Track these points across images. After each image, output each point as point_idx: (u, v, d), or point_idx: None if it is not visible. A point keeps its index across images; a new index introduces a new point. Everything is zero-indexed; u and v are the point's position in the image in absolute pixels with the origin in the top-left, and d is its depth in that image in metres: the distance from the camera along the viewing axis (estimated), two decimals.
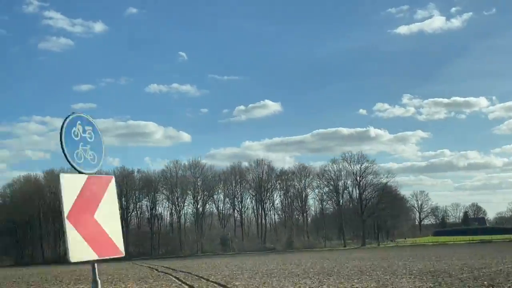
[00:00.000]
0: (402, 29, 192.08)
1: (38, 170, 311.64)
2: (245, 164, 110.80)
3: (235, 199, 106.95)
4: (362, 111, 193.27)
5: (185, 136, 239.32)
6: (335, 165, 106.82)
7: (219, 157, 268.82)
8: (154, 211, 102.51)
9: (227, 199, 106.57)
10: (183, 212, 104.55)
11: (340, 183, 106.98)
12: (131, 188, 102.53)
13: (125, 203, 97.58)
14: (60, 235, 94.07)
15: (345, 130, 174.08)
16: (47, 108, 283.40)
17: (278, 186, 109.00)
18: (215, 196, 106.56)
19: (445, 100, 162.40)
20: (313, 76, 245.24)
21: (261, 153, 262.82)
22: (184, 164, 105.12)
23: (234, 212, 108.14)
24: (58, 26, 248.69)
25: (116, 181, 7.10)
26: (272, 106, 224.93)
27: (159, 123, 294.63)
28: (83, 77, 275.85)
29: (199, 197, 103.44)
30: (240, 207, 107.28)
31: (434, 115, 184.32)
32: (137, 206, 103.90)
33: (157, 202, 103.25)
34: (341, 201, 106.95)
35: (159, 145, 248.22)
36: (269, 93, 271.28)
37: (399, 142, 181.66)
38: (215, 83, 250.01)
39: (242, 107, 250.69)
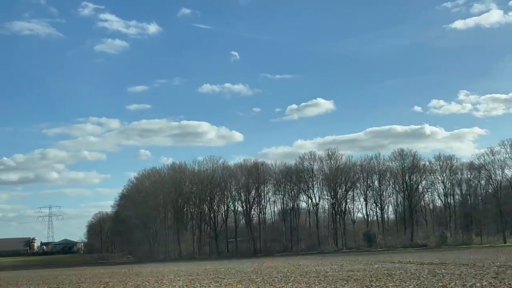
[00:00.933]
0: (458, 24, 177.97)
1: (94, 170, 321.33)
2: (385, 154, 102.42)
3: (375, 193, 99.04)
4: (417, 108, 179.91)
5: (238, 136, 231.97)
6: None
7: (271, 156, 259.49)
8: (293, 206, 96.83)
9: (370, 193, 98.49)
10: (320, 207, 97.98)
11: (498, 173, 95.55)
12: (265, 180, 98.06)
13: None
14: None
15: (399, 128, 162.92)
16: (102, 109, 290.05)
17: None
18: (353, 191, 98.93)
19: (503, 96, 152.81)
20: (366, 73, 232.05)
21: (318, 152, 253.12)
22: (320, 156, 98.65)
23: (376, 208, 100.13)
24: (113, 28, 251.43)
25: None
26: (325, 104, 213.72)
27: (212, 122, 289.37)
28: (138, 78, 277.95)
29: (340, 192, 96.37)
30: (380, 202, 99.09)
31: (492, 111, 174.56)
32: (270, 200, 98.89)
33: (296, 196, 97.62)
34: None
35: (211, 144, 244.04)
36: (321, 91, 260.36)
37: (455, 139, 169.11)
38: (267, 82, 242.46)
39: (294, 106, 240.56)
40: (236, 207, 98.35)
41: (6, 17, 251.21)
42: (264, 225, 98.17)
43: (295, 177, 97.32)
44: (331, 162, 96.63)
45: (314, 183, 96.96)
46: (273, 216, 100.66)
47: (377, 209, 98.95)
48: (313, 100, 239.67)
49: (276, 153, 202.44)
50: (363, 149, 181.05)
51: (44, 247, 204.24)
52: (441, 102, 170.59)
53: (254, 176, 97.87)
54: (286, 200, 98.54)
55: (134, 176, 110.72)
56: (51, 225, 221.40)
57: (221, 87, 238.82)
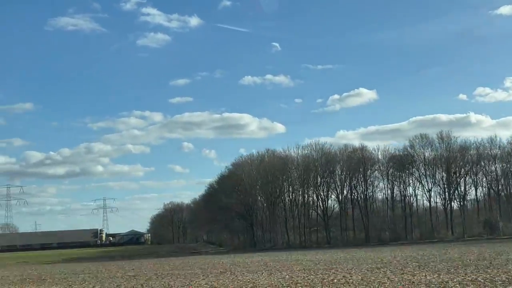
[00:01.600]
0: (504, 10, 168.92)
1: (139, 163, 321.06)
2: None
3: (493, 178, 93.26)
4: (462, 96, 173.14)
5: (279, 127, 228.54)
6: None
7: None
8: (403, 192, 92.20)
9: (488, 178, 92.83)
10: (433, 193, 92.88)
11: None
12: (372, 166, 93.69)
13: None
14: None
15: (443, 117, 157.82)
16: (146, 103, 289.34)
17: None
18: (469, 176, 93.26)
19: None
20: (410, 61, 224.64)
21: (356, 143, 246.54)
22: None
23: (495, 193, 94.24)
24: (155, 22, 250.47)
25: None
26: (367, 94, 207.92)
27: (253, 114, 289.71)
28: (180, 72, 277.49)
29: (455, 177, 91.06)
30: (497, 187, 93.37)
31: None
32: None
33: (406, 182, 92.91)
34: None
35: (253, 136, 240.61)
36: (364, 81, 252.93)
37: (502, 127, 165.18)
38: (308, 72, 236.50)
39: (336, 96, 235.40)
40: (346, 193, 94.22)
41: (50, 13, 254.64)
42: (373, 213, 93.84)
43: (404, 162, 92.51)
44: (444, 145, 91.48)
45: (426, 167, 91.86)
46: (384, 204, 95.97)
47: (496, 195, 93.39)
48: (356, 90, 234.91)
49: (318, 144, 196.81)
50: (406, 139, 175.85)
51: (111, 238, 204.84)
52: (487, 89, 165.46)
53: (360, 161, 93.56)
54: (395, 187, 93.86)
55: (231, 163, 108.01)
56: (105, 217, 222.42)
57: (263, 78, 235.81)
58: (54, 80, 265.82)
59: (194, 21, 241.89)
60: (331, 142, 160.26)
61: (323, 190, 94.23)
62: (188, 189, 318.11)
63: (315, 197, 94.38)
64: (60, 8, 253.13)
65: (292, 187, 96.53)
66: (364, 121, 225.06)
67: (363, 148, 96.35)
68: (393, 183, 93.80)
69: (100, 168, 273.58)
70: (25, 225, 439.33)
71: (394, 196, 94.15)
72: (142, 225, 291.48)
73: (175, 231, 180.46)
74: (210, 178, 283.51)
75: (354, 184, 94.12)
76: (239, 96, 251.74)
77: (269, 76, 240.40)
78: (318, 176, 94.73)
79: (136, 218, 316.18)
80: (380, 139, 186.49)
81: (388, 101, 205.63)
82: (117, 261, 65.72)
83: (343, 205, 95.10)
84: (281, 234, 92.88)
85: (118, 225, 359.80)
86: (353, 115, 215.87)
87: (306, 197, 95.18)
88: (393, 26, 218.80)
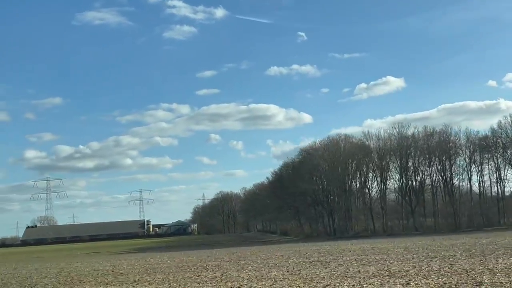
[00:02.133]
0: None
1: (167, 155, 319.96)
2: None
3: None
4: (491, 83, 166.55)
5: (306, 117, 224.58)
6: None
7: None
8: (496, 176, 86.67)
9: None
10: None
11: None
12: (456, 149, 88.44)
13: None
14: None
15: (473, 104, 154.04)
16: (173, 95, 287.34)
17: None
18: None
19: None
20: (438, 48, 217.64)
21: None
22: None
23: None
24: (181, 14, 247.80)
25: None
26: (395, 82, 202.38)
27: (280, 105, 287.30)
28: (206, 63, 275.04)
29: None
30: None
31: None
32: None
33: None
34: None
35: (280, 127, 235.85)
36: (391, 69, 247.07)
37: None
38: (335, 62, 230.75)
39: (363, 85, 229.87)
40: (430, 177, 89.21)
41: (77, 8, 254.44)
42: (460, 198, 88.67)
43: (491, 144, 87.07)
44: None
45: None
46: (470, 188, 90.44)
47: None
48: (383, 78, 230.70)
49: (345, 133, 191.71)
50: (435, 127, 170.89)
51: (157, 229, 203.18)
52: None
53: (442, 143, 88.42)
54: (485, 170, 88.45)
55: (301, 149, 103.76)
56: (142, 209, 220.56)
57: (289, 68, 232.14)
58: (82, 74, 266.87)
59: (219, 12, 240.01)
60: (358, 131, 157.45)
61: (406, 175, 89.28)
62: (215, 180, 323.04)
63: (402, 181, 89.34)
64: (87, 2, 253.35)
65: (371, 172, 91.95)
66: (392, 109, 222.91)
67: (446, 129, 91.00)
68: (480, 166, 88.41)
69: (128, 161, 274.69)
70: (62, 218, 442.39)
71: (483, 180, 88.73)
72: (174, 216, 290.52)
73: (225, 220, 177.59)
74: (237, 169, 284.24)
75: (437, 168, 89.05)
76: (266, 87, 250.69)
77: (295, 66, 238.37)
78: (398, 160, 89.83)
79: (168, 209, 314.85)
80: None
81: (416, 89, 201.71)
82: (202, 250, 61.71)
83: (428, 190, 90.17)
84: (364, 221, 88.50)
85: (152, 217, 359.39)
86: (380, 104, 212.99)
87: (388, 182, 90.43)
88: (420, 13, 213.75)
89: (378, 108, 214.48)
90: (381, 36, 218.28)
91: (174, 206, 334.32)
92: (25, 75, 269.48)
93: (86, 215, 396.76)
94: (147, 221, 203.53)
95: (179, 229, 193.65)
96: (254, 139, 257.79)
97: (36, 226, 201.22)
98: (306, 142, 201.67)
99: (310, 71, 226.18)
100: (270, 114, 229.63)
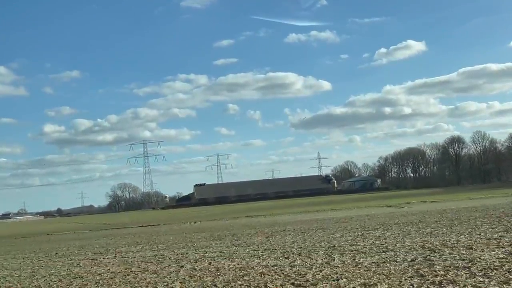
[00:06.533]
0: None
1: (185, 127, 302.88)
2: None
3: None
4: None
5: (325, 85, 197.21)
6: None
7: (358, 104, 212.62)
8: None
9: None
10: None
11: None
12: None
13: None
14: None
15: (494, 66, 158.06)
16: (190, 66, 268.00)
17: None
18: None
19: None
20: (458, 11, 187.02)
21: (403, 97, 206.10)
22: None
23: None
24: None
25: None
26: (416, 46, 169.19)
27: (298, 73, 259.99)
28: (224, 32, 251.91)
29: None
30: None
31: None
32: None
33: None
34: None
35: (298, 95, 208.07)
36: (412, 32, 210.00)
37: None
38: (355, 26, 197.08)
39: (383, 50, 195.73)
40: None
41: None
42: None
43: None
44: None
45: None
46: None
47: None
48: (403, 42, 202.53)
49: (364, 100, 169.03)
50: (455, 91, 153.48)
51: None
52: None
53: None
54: None
55: None
56: (220, 173, 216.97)
57: (308, 35, 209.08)
58: (99, 47, 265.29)
59: None
60: (377, 97, 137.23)
61: None
62: (234, 150, 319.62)
63: None
64: None
65: None
66: (412, 74, 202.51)
67: None
68: None
69: (147, 133, 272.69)
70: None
71: None
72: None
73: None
74: (255, 139, 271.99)
75: None
76: (284, 54, 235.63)
77: (314, 33, 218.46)
78: None
79: (183, 180, 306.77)
80: (428, 93, 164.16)
81: (437, 53, 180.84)
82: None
83: None
84: None
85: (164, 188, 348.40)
86: (400, 69, 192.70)
87: None
88: None
89: (398, 73, 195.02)
90: None
91: (193, 177, 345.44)
92: (42, 49, 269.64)
93: (106, 188, 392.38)
94: (330, 176, 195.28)
95: (365, 184, 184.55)
96: (272, 109, 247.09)
97: (204, 184, 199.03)
98: (324, 110, 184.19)
99: (330, 37, 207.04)
100: (288, 82, 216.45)
